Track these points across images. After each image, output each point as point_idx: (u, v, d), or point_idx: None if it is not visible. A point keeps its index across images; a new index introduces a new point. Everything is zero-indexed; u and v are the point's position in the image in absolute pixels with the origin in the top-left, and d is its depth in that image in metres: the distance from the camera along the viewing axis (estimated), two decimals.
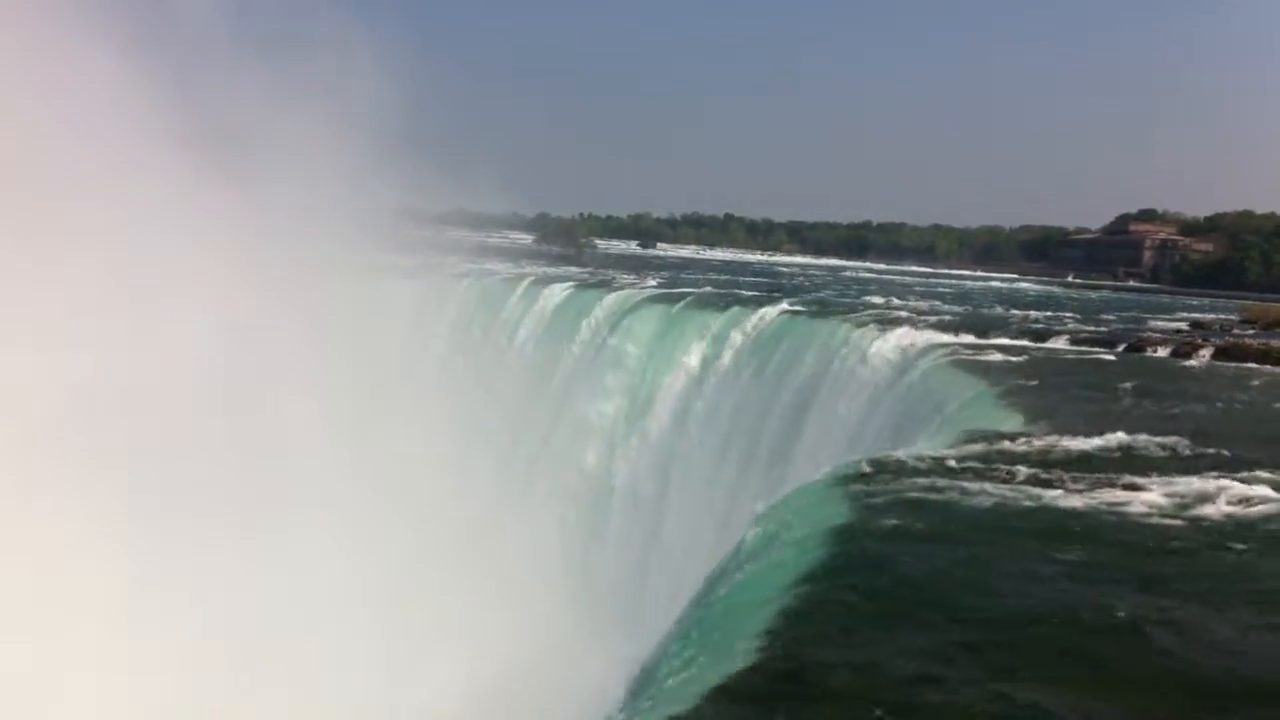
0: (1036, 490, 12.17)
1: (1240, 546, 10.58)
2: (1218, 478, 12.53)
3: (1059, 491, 12.09)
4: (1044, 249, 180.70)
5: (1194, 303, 69.38)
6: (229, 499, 28.39)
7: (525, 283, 47.64)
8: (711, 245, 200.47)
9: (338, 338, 39.34)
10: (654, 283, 50.11)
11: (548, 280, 48.03)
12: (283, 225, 38.26)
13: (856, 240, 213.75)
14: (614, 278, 53.76)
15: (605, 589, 33.41)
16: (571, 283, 47.20)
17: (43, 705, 22.00)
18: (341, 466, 32.85)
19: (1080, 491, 12.14)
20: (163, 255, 31.59)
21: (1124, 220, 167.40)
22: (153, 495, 26.80)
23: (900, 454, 14.71)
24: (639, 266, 75.83)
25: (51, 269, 28.25)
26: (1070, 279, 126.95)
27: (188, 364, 29.85)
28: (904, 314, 34.39)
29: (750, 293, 46.13)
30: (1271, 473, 13.08)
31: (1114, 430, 14.96)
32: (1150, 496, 11.97)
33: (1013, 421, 16.85)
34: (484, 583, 31.17)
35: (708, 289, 47.96)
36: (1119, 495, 11.99)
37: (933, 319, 32.42)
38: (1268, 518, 11.28)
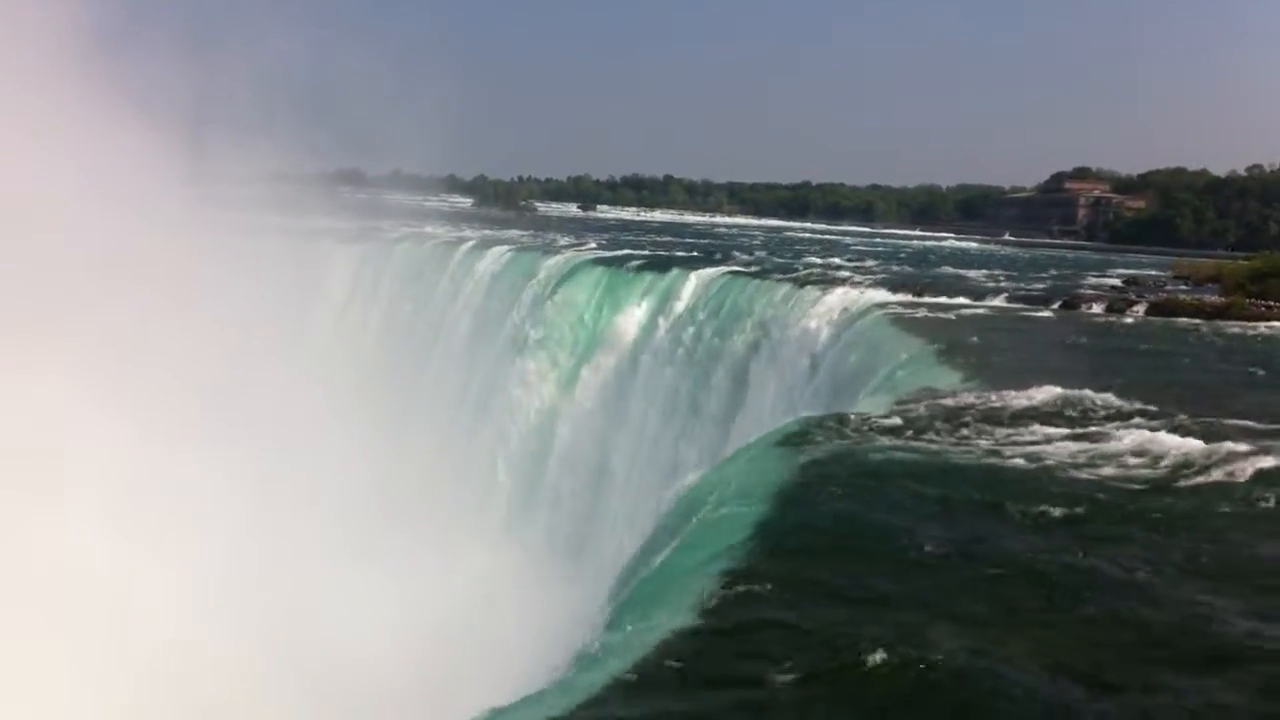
0: (976, 445, 12.28)
1: (1175, 496, 10.75)
2: (1152, 430, 12.70)
3: (997, 446, 12.21)
4: (981, 208, 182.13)
5: (1128, 259, 70.19)
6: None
7: (465, 246, 47.29)
8: (651, 207, 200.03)
9: (276, 301, 39.05)
10: (594, 245, 49.97)
11: (488, 243, 47.70)
12: (223, 193, 37.89)
13: (796, 201, 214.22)
14: (554, 240, 53.55)
15: (546, 549, 33.47)
16: (512, 245, 46.93)
17: None
18: (278, 433, 32.61)
19: (1018, 445, 12.26)
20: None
21: (1059, 178, 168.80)
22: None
23: (841, 413, 14.79)
24: (579, 229, 75.57)
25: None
26: (1006, 237, 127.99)
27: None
28: (843, 274, 34.57)
29: (691, 254, 46.13)
30: (1206, 423, 13.29)
31: (1051, 385, 15.11)
32: (1087, 448, 12.12)
33: (951, 378, 16.99)
34: (426, 543, 31.20)
35: (648, 251, 47.88)
36: (1056, 448, 12.13)
37: (872, 278, 32.62)
38: (1203, 468, 11.45)
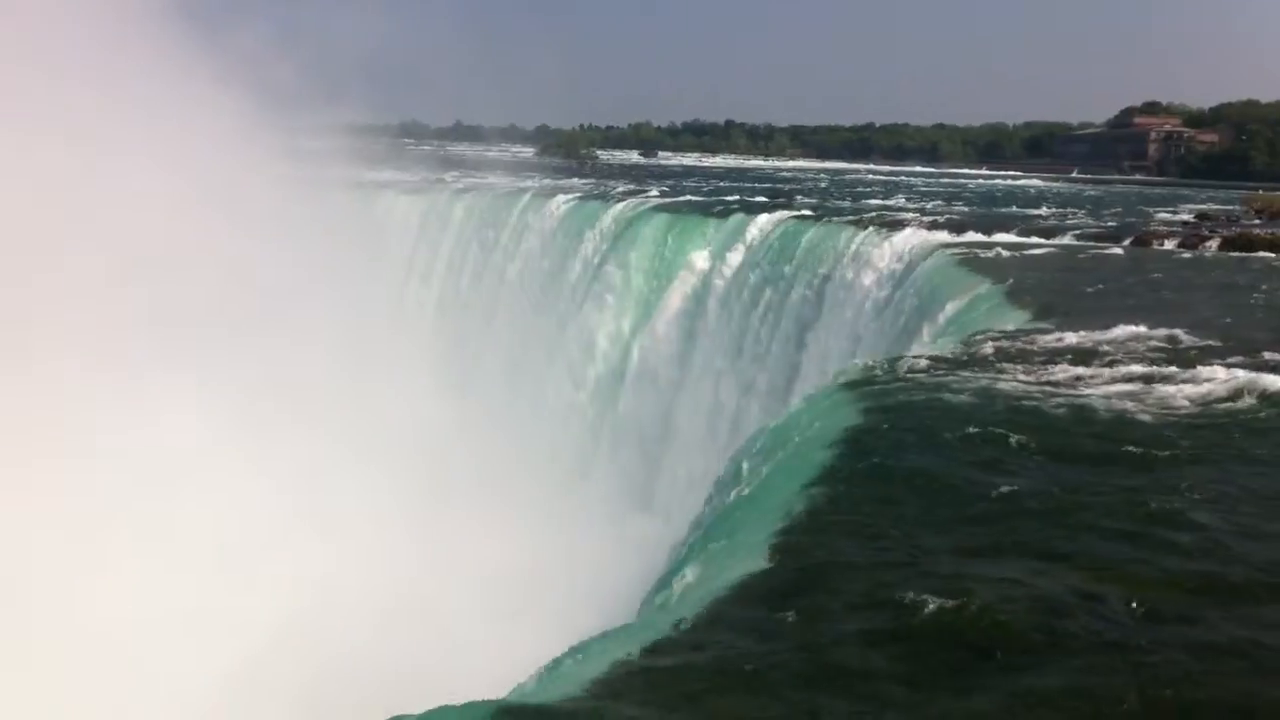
0: (1046, 385, 12.15)
1: (1257, 434, 10.57)
2: (1229, 367, 12.49)
3: (1068, 386, 12.07)
4: (1048, 145, 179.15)
5: (1200, 194, 68.80)
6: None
7: (527, 196, 47.28)
8: (713, 153, 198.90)
9: (345, 253, 39.43)
10: (656, 192, 49.76)
11: (550, 193, 47.65)
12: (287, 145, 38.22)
13: (860, 142, 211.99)
14: (616, 188, 53.40)
15: (614, 498, 33.67)
16: (574, 194, 46.85)
17: None
18: (349, 383, 33.08)
19: (1090, 385, 12.11)
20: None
21: (1128, 114, 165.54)
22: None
23: (907, 355, 14.69)
24: (641, 176, 75.32)
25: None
26: (1075, 175, 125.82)
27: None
28: (908, 215, 34.17)
29: (753, 199, 45.82)
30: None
31: (1123, 323, 14.90)
32: (1162, 386, 11.95)
33: (1020, 318, 16.80)
34: (498, 492, 31.53)
35: (710, 197, 47.64)
36: (1129, 387, 11.97)
37: (937, 219, 32.23)
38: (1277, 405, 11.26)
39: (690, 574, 9.25)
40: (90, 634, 21.80)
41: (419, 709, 6.74)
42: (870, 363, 14.24)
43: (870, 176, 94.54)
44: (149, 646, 21.95)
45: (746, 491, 10.79)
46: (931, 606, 7.28)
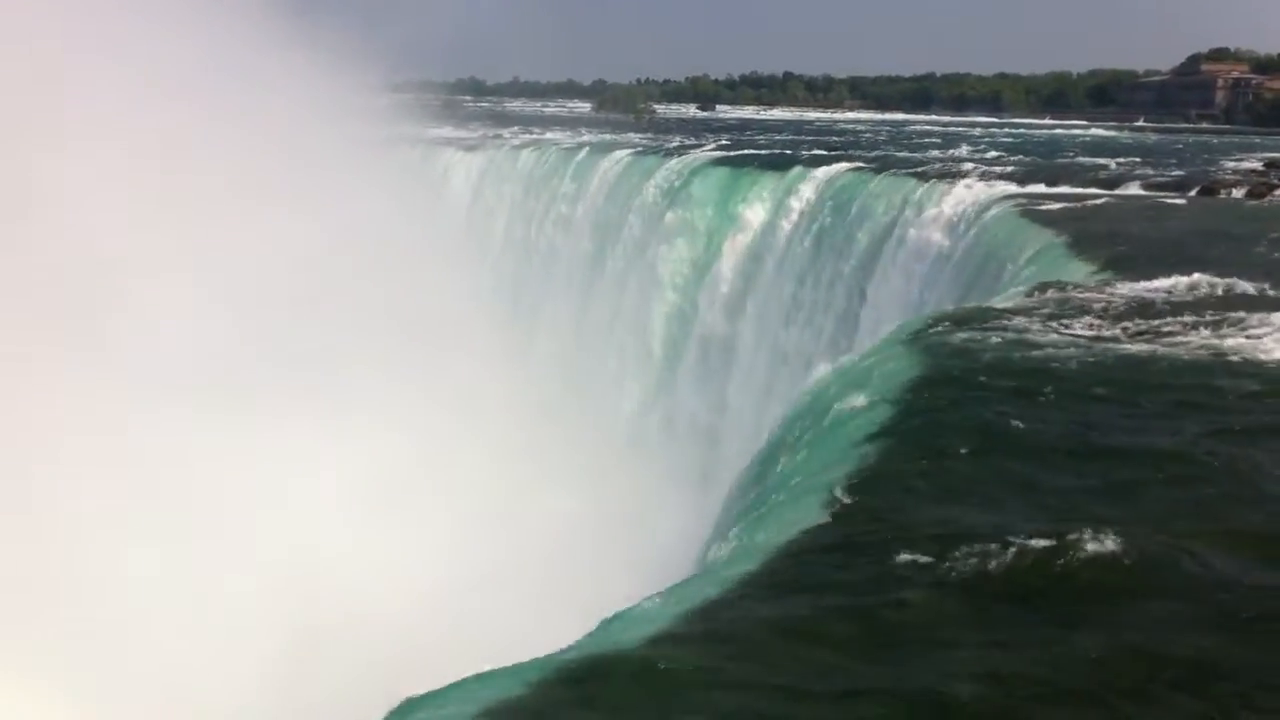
0: (1111, 337, 12.05)
1: None
2: None
3: (1134, 338, 11.97)
4: (1113, 94, 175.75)
5: (1270, 142, 67.35)
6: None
7: (585, 151, 47.25)
8: (771, 105, 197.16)
9: (406, 210, 39.69)
10: (714, 145, 49.51)
11: (607, 148, 47.57)
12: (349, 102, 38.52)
13: (920, 93, 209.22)
14: (674, 142, 53.19)
15: (675, 450, 33.80)
16: (631, 149, 46.74)
17: None
18: (413, 345, 33.41)
19: (1156, 336, 12.01)
20: None
21: (1195, 61, 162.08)
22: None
23: (969, 308, 14.62)
24: (699, 130, 74.94)
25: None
26: (1140, 123, 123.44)
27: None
28: (970, 166, 33.78)
29: (812, 151, 45.47)
30: None
31: (1189, 273, 14.73)
32: (1230, 337, 11.82)
33: (1084, 270, 16.63)
34: (560, 446, 31.80)
35: (769, 149, 47.34)
36: (1196, 338, 11.86)
37: (1000, 170, 31.85)
38: None
39: (749, 527, 9.29)
40: (175, 604, 22.43)
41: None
42: (931, 315, 14.18)
43: (931, 128, 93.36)
44: (222, 618, 22.60)
45: (806, 444, 10.82)
46: (995, 560, 7.29)
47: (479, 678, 6.74)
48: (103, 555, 22.61)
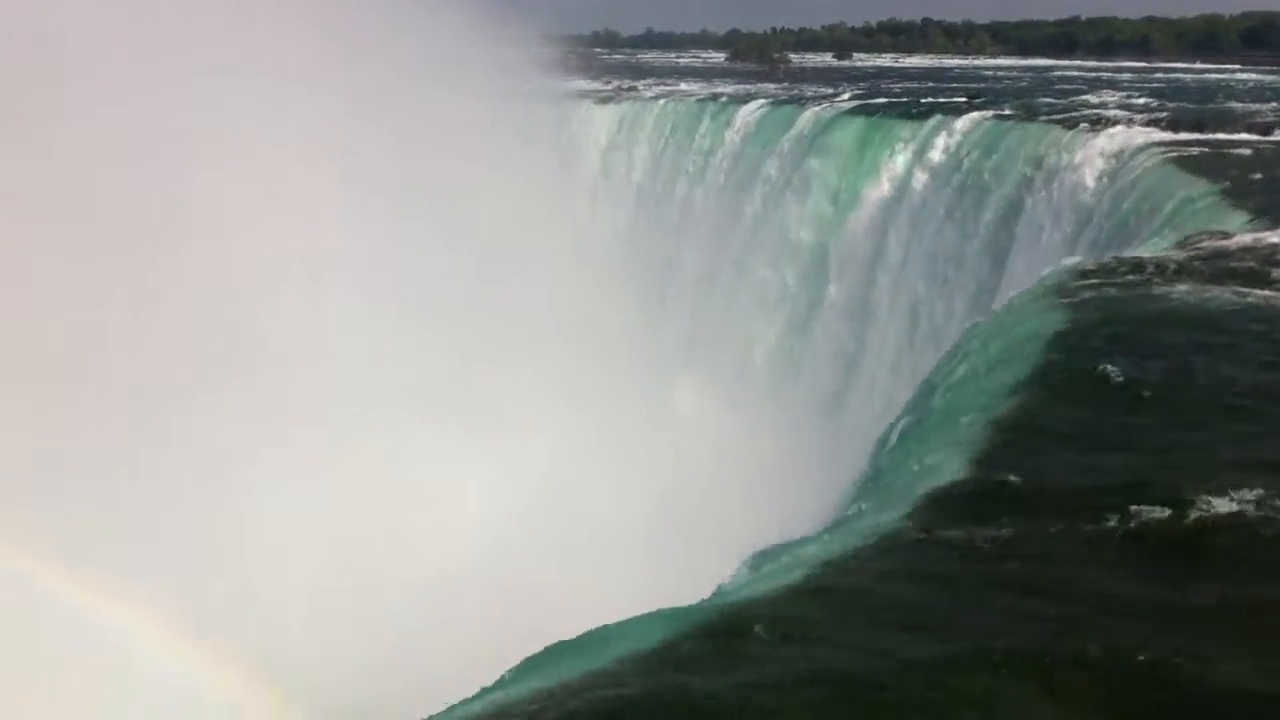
0: (1261, 290, 11.72)
1: None
2: None
3: None
4: (1268, 36, 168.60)
5: None
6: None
7: (719, 102, 47.04)
8: (909, 53, 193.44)
9: (541, 164, 40.07)
10: (851, 95, 48.86)
11: (742, 99, 47.30)
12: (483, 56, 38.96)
13: (1064, 38, 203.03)
14: (809, 92, 52.64)
15: (809, 405, 33.73)
16: (766, 100, 46.40)
17: None
18: (543, 295, 33.86)
19: None
20: None
21: None
22: None
23: (1117, 258, 14.32)
24: (835, 79, 73.91)
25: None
26: None
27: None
28: (1117, 113, 32.83)
29: (953, 100, 44.60)
30: None
31: None
32: None
33: (1237, 219, 16.16)
34: (691, 399, 32.01)
35: (908, 98, 46.57)
36: None
37: (1148, 116, 30.91)
38: None
39: (890, 479, 9.29)
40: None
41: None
42: (1077, 265, 13.93)
43: (1076, 74, 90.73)
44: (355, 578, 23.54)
45: (949, 395, 10.76)
46: (1144, 516, 7.21)
47: (620, 625, 6.88)
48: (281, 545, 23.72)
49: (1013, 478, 8.00)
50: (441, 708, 6.42)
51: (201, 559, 22.53)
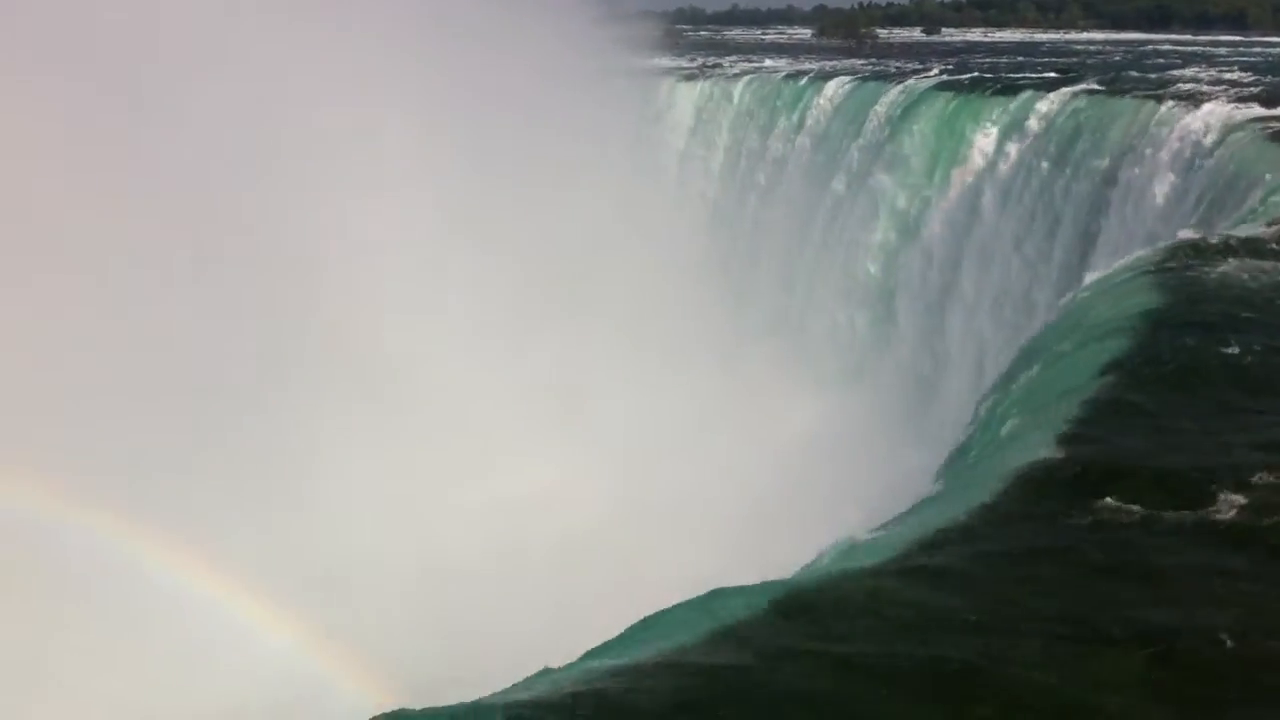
0: None
1: None
2: None
3: None
4: None
5: None
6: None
7: (805, 79, 46.71)
8: (999, 27, 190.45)
9: (624, 142, 40.20)
10: (940, 70, 48.26)
11: (828, 75, 46.92)
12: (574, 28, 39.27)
13: (1157, 11, 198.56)
14: (897, 68, 52.07)
15: (896, 385, 33.55)
16: (853, 76, 45.98)
17: None
18: (629, 272, 34.06)
19: None
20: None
21: None
22: None
23: (1210, 237, 14.08)
24: (923, 54, 73.05)
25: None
26: None
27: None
28: (1212, 88, 32.12)
29: (1043, 75, 43.91)
30: None
31: None
32: None
33: None
34: (781, 368, 32.05)
35: (997, 74, 45.89)
36: None
37: (1245, 92, 30.19)
38: None
39: (978, 459, 9.26)
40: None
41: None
42: (1170, 244, 13.73)
43: (1170, 48, 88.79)
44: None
45: (1037, 376, 10.68)
46: (1233, 502, 7.13)
47: (714, 594, 6.95)
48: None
49: (1103, 457, 7.96)
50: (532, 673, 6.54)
51: (298, 538, 23.26)
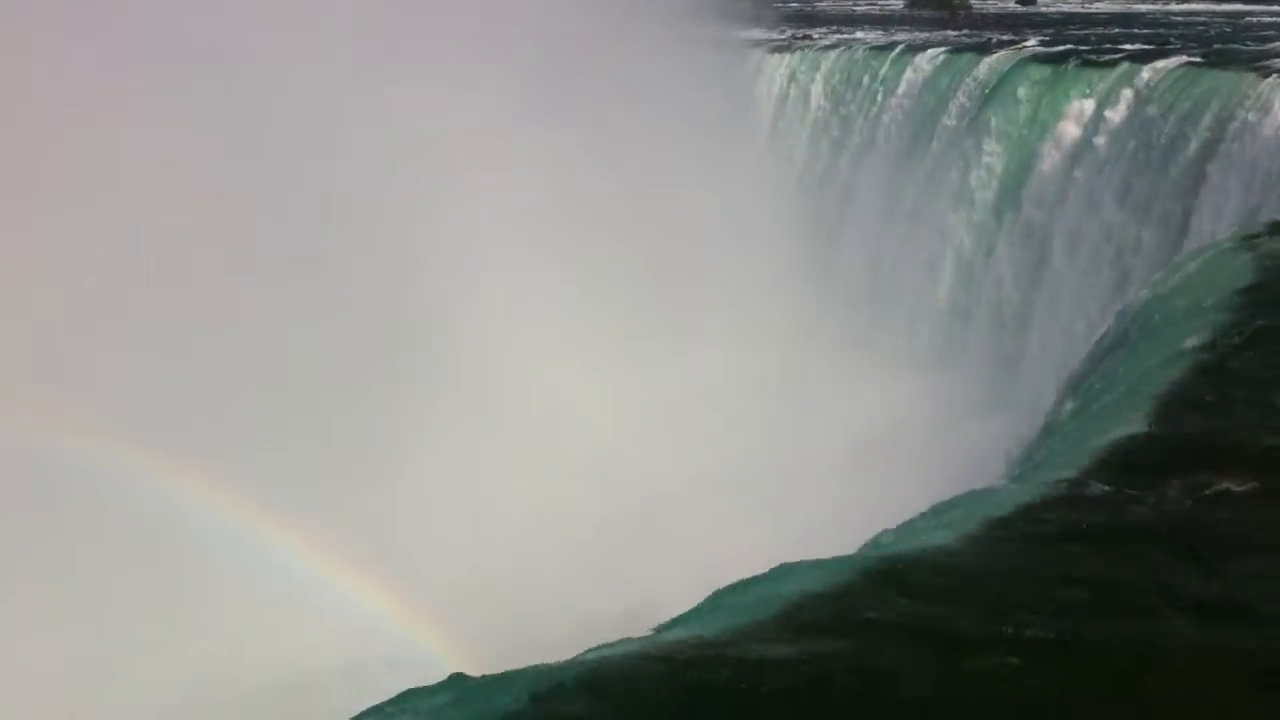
0: None
1: None
2: None
3: None
4: None
5: None
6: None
7: (896, 51, 46.20)
8: None
9: (715, 112, 40.17)
10: (1034, 42, 47.46)
11: (920, 46, 46.36)
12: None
13: None
14: (991, 39, 51.31)
15: (982, 357, 33.28)
16: (945, 47, 45.39)
17: None
18: (712, 244, 34.18)
19: None
20: None
21: None
22: None
23: None
24: (1018, 25, 71.89)
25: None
26: None
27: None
28: None
29: (1141, 46, 43.03)
30: None
31: None
32: None
33: None
34: (864, 347, 31.92)
35: (1093, 45, 45.07)
36: None
37: None
38: None
39: (1065, 435, 9.17)
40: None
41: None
42: (1269, 223, 13.44)
43: (1275, 19, 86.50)
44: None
45: (1130, 352, 10.52)
46: None
47: (786, 569, 6.96)
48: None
49: (1193, 435, 7.85)
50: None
51: (383, 509, 23.92)
